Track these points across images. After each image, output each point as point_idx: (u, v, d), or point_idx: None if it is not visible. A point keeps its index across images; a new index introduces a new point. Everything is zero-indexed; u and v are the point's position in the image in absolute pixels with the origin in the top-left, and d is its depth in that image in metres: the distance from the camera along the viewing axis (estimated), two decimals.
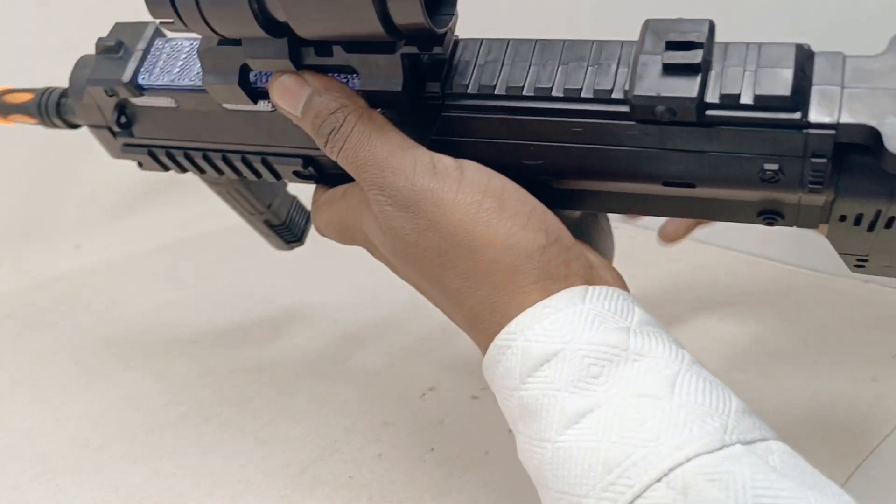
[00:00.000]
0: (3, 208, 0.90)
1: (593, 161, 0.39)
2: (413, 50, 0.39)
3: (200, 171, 0.51)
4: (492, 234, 0.38)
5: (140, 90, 0.48)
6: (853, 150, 0.35)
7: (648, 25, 0.38)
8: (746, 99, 0.36)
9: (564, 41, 0.40)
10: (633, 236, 0.72)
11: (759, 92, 0.35)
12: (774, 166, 0.36)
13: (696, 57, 0.36)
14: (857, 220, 0.37)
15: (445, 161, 0.40)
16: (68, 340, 0.73)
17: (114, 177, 0.94)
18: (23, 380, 0.67)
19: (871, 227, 0.37)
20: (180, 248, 0.92)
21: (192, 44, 0.48)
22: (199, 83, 0.46)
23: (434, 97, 0.41)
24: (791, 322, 0.55)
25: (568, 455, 0.34)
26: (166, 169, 0.52)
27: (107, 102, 0.50)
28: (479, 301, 0.38)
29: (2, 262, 0.88)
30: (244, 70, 0.43)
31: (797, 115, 0.35)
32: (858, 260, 0.41)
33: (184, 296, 0.80)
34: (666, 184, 0.38)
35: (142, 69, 0.48)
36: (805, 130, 0.35)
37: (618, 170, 0.39)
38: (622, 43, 0.39)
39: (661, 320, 0.38)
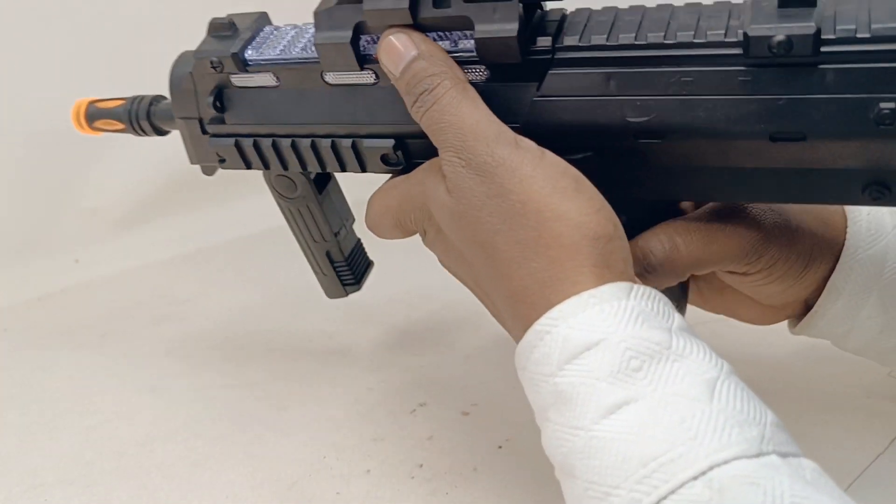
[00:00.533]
0: (2, 222, 0.90)
1: (702, 113, 0.39)
2: None
3: (283, 165, 0.52)
4: (565, 209, 0.38)
5: (245, 65, 0.50)
6: None
7: None
8: (863, 33, 0.36)
9: (674, 6, 0.42)
10: None
11: (875, 26, 0.35)
12: (891, 105, 0.35)
13: None
14: None
15: (528, 141, 0.41)
16: (63, 355, 0.73)
17: (113, 192, 0.95)
18: (17, 394, 0.67)
19: None
20: (179, 263, 0.92)
21: (296, 28, 0.51)
22: (304, 56, 0.48)
23: (544, 52, 0.42)
24: (785, 339, 0.54)
25: (602, 445, 0.34)
26: (248, 166, 0.53)
27: (206, 84, 0.52)
28: (533, 273, 0.38)
29: (0, 275, 0.88)
30: (357, 30, 0.45)
31: None
32: None
33: (180, 311, 0.80)
34: (774, 139, 0.38)
35: (249, 47, 0.51)
36: None
37: (727, 123, 0.39)
38: (731, 4, 0.41)
39: None
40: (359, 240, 0.62)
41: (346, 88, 0.48)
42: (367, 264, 0.63)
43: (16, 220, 0.90)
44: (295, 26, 0.51)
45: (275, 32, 0.51)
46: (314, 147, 0.50)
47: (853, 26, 0.36)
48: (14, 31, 0.90)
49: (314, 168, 0.51)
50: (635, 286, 0.37)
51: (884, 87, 0.35)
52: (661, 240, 0.45)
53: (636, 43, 0.40)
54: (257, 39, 0.51)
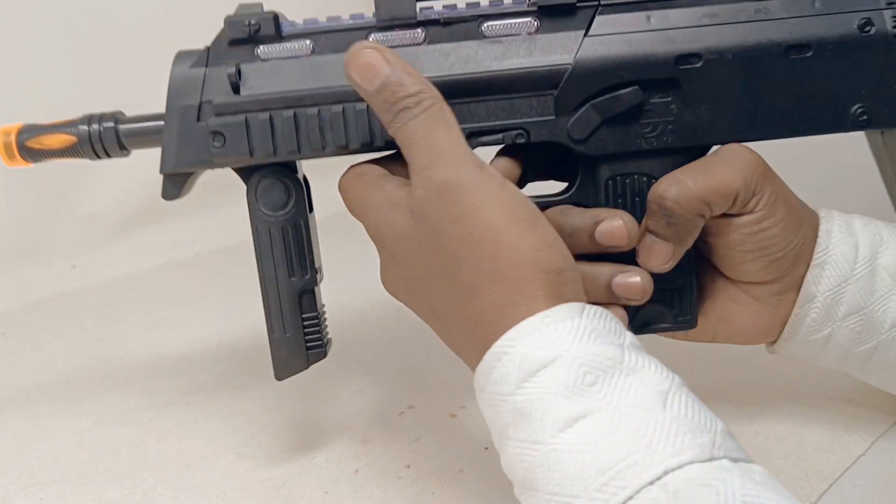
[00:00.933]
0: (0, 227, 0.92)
1: (732, 35, 0.48)
2: None
3: (297, 145, 0.49)
4: (520, 242, 0.40)
5: (280, 32, 0.50)
6: None
7: None
8: None
9: None
10: None
11: None
12: (866, 17, 0.48)
13: None
14: None
15: (493, 169, 0.43)
16: (60, 358, 0.74)
17: (110, 198, 0.96)
18: (15, 396, 0.68)
19: None
20: (174, 268, 0.93)
21: (327, 19, 0.51)
22: (348, 23, 0.50)
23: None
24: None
25: (561, 457, 0.36)
26: (251, 152, 0.49)
27: (224, 58, 0.49)
28: (491, 300, 0.40)
29: None
30: None
31: None
32: None
33: (175, 315, 0.81)
34: (787, 51, 0.48)
35: (282, 22, 0.50)
36: None
37: (752, 41, 0.48)
38: None
39: None
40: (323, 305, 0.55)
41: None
42: (329, 338, 0.55)
43: (14, 225, 0.92)
44: (317, 18, 0.51)
45: (301, 21, 0.51)
46: (344, 114, 0.48)
47: None
48: (9, 36, 0.91)
49: (338, 143, 0.49)
50: (587, 306, 0.39)
51: (861, 4, 0.48)
52: (670, 181, 0.47)
53: None
54: (287, 22, 0.51)
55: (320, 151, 0.49)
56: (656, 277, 0.49)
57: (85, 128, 0.52)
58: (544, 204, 0.51)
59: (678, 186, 0.46)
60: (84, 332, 0.79)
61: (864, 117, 0.49)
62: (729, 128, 0.49)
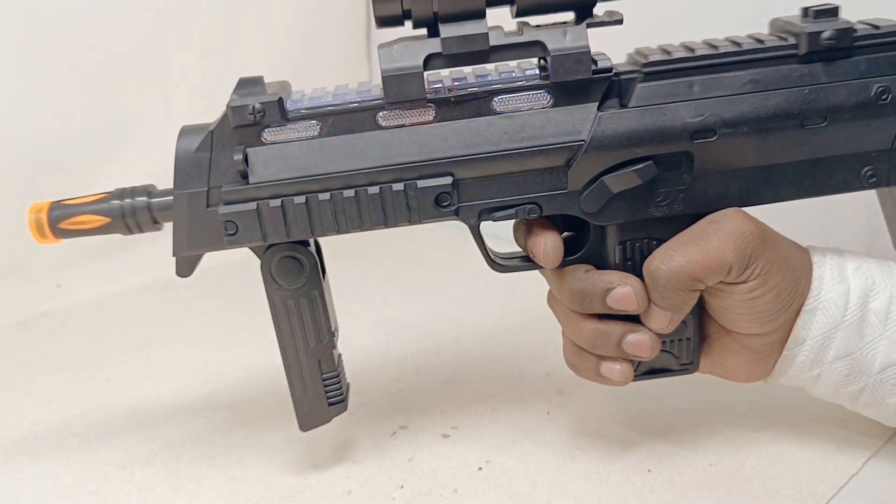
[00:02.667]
0: None
1: (748, 107, 0.48)
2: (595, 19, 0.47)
3: (311, 228, 0.49)
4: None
5: (286, 114, 0.48)
6: None
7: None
8: (885, 28, 0.48)
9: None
10: None
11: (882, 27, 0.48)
12: (885, 83, 0.48)
13: (832, 5, 0.48)
14: None
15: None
16: (44, 378, 0.73)
17: None
18: None
19: None
20: (159, 289, 0.92)
21: (327, 89, 0.50)
22: (355, 102, 0.48)
23: (606, 70, 0.48)
24: None
25: None
26: (264, 237, 0.49)
27: (230, 143, 0.48)
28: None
29: None
30: (427, 61, 0.46)
31: None
32: None
33: (161, 336, 0.80)
34: (803, 124, 0.48)
35: (287, 100, 0.49)
36: None
37: (768, 113, 0.48)
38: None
39: None
40: (340, 353, 0.56)
41: (399, 130, 0.48)
42: (348, 384, 0.57)
43: None
44: (324, 88, 0.51)
45: (304, 93, 0.50)
46: (357, 198, 0.48)
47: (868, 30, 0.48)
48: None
49: (351, 226, 0.49)
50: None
51: (878, 71, 0.48)
52: (661, 258, 0.48)
53: (710, 52, 0.48)
54: (292, 97, 0.50)
55: (334, 231, 0.49)
56: None
57: (118, 204, 0.51)
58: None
59: (668, 264, 0.48)
60: (67, 353, 0.78)
61: (874, 179, 0.50)
62: (739, 194, 0.49)
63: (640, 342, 0.50)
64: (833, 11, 0.48)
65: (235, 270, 0.92)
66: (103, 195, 0.51)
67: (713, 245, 0.47)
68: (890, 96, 0.48)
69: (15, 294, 0.90)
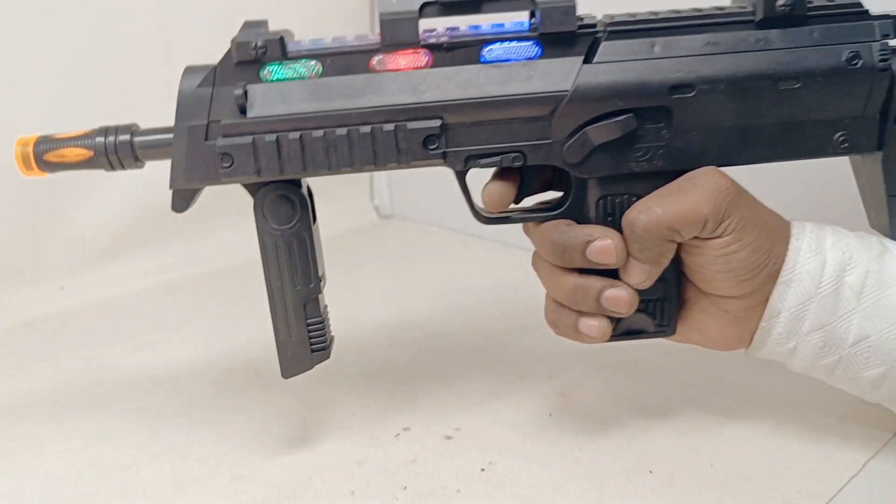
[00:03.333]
0: None
1: (725, 66, 0.49)
2: None
3: (303, 164, 0.50)
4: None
5: (286, 53, 0.50)
6: None
7: None
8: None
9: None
10: None
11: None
12: (855, 49, 0.49)
13: None
14: None
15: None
16: (48, 380, 0.73)
17: (99, 220, 0.95)
18: (2, 418, 0.67)
19: None
20: (163, 292, 0.92)
21: (334, 38, 0.52)
22: (352, 45, 0.50)
23: (592, 25, 0.50)
24: (760, 361, 0.56)
25: None
26: (258, 172, 0.51)
27: (232, 79, 0.50)
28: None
29: None
30: (423, 8, 0.49)
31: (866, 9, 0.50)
32: None
33: (164, 338, 0.81)
34: (777, 82, 0.49)
35: (288, 42, 0.51)
36: (873, 21, 0.50)
37: (744, 72, 0.49)
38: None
39: None
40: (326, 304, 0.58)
41: (393, 73, 0.50)
42: (332, 336, 0.58)
43: (3, 247, 0.91)
44: (322, 38, 0.52)
45: (308, 39, 0.52)
46: (349, 137, 0.50)
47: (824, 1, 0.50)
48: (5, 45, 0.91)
49: (342, 164, 0.50)
50: None
51: (851, 37, 0.49)
52: (640, 209, 0.50)
53: (673, 16, 0.50)
54: (294, 41, 0.52)
55: (326, 170, 0.51)
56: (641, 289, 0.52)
57: (101, 140, 0.53)
58: (539, 219, 0.53)
59: (647, 214, 0.49)
60: (72, 355, 0.78)
61: (846, 144, 0.51)
62: (717, 153, 0.51)
63: (618, 297, 0.51)
64: None
65: (239, 274, 0.93)
66: (89, 131, 0.54)
67: (690, 198, 0.49)
68: (860, 62, 0.49)
69: (19, 296, 0.90)
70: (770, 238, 0.50)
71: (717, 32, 0.50)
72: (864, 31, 0.50)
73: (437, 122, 0.50)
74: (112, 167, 0.54)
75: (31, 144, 0.54)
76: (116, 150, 0.53)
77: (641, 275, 0.51)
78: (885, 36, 0.50)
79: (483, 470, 0.56)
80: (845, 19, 0.50)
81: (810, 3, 0.50)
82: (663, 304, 0.54)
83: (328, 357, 0.56)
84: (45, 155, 0.54)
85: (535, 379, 0.67)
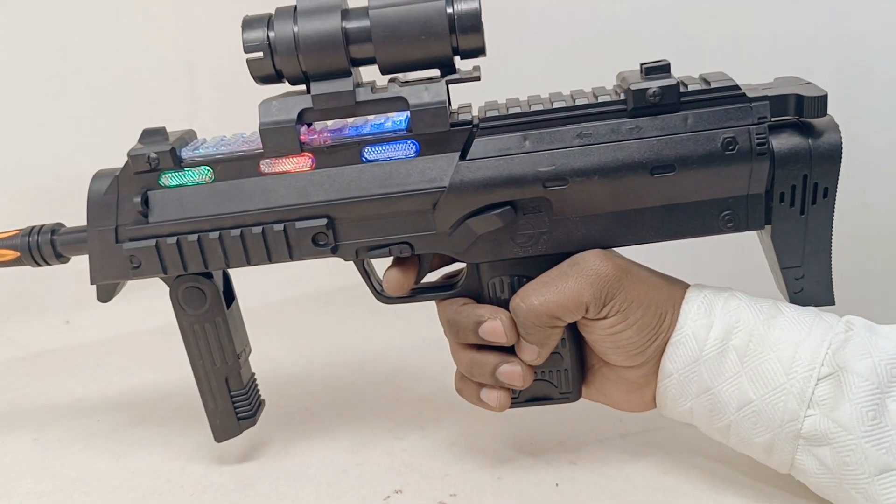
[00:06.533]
0: None
1: (597, 158, 0.50)
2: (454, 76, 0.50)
3: (204, 262, 0.54)
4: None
5: (180, 162, 0.53)
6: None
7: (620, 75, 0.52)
8: (711, 85, 0.49)
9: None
10: None
11: (713, 83, 0.50)
12: (731, 135, 0.49)
13: (664, 62, 0.50)
14: (792, 198, 0.49)
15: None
16: (34, 416, 0.71)
17: None
18: None
19: (801, 209, 0.50)
20: (169, 331, 0.88)
21: (223, 137, 0.56)
22: (241, 150, 0.53)
23: (467, 123, 0.51)
24: None
25: None
26: (164, 270, 0.54)
27: (132, 187, 0.54)
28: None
29: None
30: (301, 115, 0.51)
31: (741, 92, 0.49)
32: (795, 279, 0.51)
33: (164, 379, 0.77)
34: (653, 173, 0.49)
35: (183, 148, 0.54)
36: (749, 104, 0.49)
37: (617, 163, 0.49)
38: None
39: None
40: (253, 374, 0.62)
41: (280, 176, 0.52)
42: (261, 401, 0.62)
43: (8, 278, 0.88)
44: (223, 137, 0.56)
45: (205, 140, 0.56)
46: (243, 237, 0.53)
47: (698, 86, 0.49)
48: (8, 89, 0.91)
49: (238, 261, 0.54)
50: None
51: (726, 122, 0.49)
52: (521, 298, 0.52)
53: (544, 109, 0.51)
54: (189, 144, 0.55)
55: (223, 265, 0.54)
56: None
57: (26, 240, 0.58)
58: (438, 298, 0.56)
59: (526, 303, 0.51)
60: (64, 391, 0.75)
61: (731, 224, 0.51)
62: (600, 236, 0.52)
63: (512, 372, 0.53)
64: (665, 68, 0.49)
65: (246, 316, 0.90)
66: (16, 231, 0.58)
67: (569, 286, 0.50)
68: (737, 147, 0.49)
69: (23, 328, 0.89)
70: (657, 314, 0.50)
71: (590, 122, 0.50)
72: (740, 115, 0.49)
73: (324, 221, 0.52)
74: (38, 264, 0.58)
75: None
76: (40, 249, 0.57)
77: (532, 354, 0.52)
78: (762, 119, 0.49)
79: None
80: (720, 103, 0.49)
81: (685, 87, 0.49)
82: (564, 374, 0.55)
83: (255, 424, 0.60)
84: None
85: (545, 445, 0.61)
